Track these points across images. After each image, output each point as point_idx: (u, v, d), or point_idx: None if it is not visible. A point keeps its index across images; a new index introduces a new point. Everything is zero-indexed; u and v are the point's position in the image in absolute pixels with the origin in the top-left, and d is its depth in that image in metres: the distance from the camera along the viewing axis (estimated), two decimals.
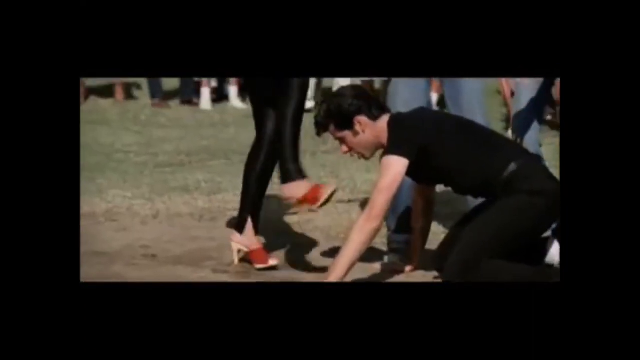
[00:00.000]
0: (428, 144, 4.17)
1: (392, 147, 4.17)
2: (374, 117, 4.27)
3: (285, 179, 4.51)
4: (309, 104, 10.32)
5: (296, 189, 4.47)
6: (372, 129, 4.26)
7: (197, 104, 11.00)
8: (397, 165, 4.13)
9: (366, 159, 4.38)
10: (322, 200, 4.46)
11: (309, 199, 4.43)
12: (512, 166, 4.11)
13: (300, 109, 4.52)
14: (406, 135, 4.18)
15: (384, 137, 4.24)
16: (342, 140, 4.32)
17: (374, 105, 4.30)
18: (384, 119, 4.27)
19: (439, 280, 4.38)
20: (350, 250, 4.11)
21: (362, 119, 4.25)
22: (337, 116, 4.27)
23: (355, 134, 4.27)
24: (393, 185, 4.12)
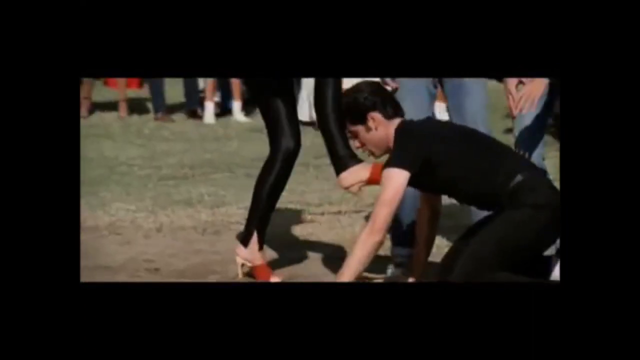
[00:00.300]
0: (433, 155, 4.17)
1: (395, 158, 4.18)
2: (388, 116, 4.29)
3: (342, 167, 4.43)
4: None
5: (358, 174, 4.41)
6: (384, 128, 4.28)
7: (201, 116, 11.01)
8: (398, 178, 4.13)
9: (375, 157, 4.38)
10: None
11: (375, 179, 4.36)
12: (518, 177, 4.11)
13: (340, 90, 4.48)
14: (410, 147, 4.18)
15: (392, 141, 4.26)
16: (355, 135, 4.34)
17: (390, 104, 4.31)
18: (396, 122, 4.29)
19: (436, 277, 4.36)
20: (353, 263, 4.11)
21: (376, 115, 4.27)
22: (352, 109, 4.30)
23: (368, 129, 4.29)
24: (395, 198, 4.13)
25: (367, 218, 6.02)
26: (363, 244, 4.11)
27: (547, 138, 4.99)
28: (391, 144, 4.26)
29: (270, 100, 4.67)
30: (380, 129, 4.28)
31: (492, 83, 5.05)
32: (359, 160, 4.44)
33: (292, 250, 5.41)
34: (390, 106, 4.31)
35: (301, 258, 5.28)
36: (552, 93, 4.61)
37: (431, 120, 4.51)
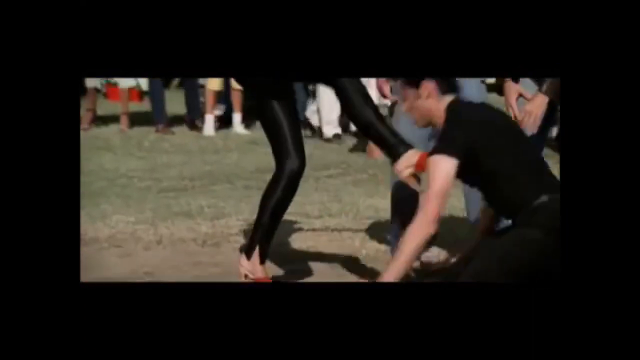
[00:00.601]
0: (480, 143, 4.04)
1: (442, 145, 4.05)
2: (442, 91, 4.19)
3: (396, 155, 4.40)
4: (335, 130, 10.30)
5: (409, 159, 4.37)
6: (435, 101, 4.17)
7: (198, 127, 11.02)
8: (446, 166, 3.99)
9: (417, 126, 4.29)
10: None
11: (422, 166, 4.31)
12: (544, 198, 3.99)
13: (361, 84, 4.48)
14: (458, 133, 4.05)
15: (439, 117, 4.15)
16: (405, 97, 4.26)
17: (447, 80, 4.21)
18: (448, 99, 4.18)
19: (438, 280, 4.35)
20: (403, 258, 3.96)
21: (430, 85, 4.18)
22: None
23: (418, 96, 4.19)
24: (445, 187, 3.99)
25: (368, 231, 6.04)
26: (414, 237, 3.96)
27: (547, 151, 5.00)
28: (436, 120, 4.16)
29: (275, 120, 4.66)
30: (430, 100, 4.17)
31: (492, 96, 5.06)
32: (409, 146, 4.41)
33: (293, 263, 5.40)
34: (447, 83, 4.20)
35: (302, 271, 5.27)
36: (552, 108, 4.61)
37: (484, 105, 4.38)
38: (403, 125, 4.70)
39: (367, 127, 4.46)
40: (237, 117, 11.09)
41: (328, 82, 4.51)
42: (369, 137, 4.53)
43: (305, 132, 10.50)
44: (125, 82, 11.07)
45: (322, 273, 5.21)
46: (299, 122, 4.75)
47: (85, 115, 10.83)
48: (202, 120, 11.09)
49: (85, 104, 10.74)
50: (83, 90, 10.88)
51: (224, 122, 11.19)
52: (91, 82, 11.02)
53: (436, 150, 4.07)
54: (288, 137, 4.64)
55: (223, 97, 11.29)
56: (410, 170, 4.38)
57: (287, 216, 6.30)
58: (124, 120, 11.10)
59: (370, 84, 9.00)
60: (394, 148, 4.41)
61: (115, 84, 11.14)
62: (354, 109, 4.47)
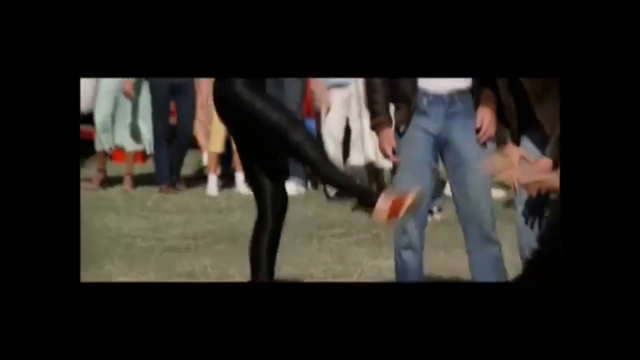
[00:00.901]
0: None
1: None
2: None
3: (371, 203, 4.62)
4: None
5: (383, 205, 4.55)
6: None
7: (176, 188, 11.03)
8: None
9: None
10: (402, 211, 4.54)
11: (394, 212, 4.52)
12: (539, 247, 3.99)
13: (325, 154, 4.65)
14: None
15: None
16: None
17: None
18: None
19: (438, 281, 4.33)
20: None
21: None
22: None
23: None
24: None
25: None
26: None
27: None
28: None
29: (253, 169, 4.78)
30: None
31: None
32: (378, 194, 4.62)
33: None
34: None
35: None
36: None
37: None
38: (406, 179, 4.73)
39: (338, 187, 4.68)
40: (239, 177, 11.12)
41: (297, 158, 4.68)
42: (343, 192, 4.73)
43: (309, 189, 10.56)
44: (132, 146, 11.12)
45: None
46: (280, 171, 4.85)
47: (96, 176, 10.91)
48: (180, 182, 11.12)
49: (96, 165, 10.85)
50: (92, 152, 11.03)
51: (227, 177, 11.22)
52: (99, 146, 11.07)
53: None
54: (269, 182, 4.70)
55: (225, 158, 11.33)
56: (385, 216, 4.53)
57: (292, 278, 6.31)
58: (127, 180, 11.13)
59: (366, 138, 9.01)
60: (366, 198, 4.70)
61: (122, 148, 11.21)
62: (321, 175, 4.72)
